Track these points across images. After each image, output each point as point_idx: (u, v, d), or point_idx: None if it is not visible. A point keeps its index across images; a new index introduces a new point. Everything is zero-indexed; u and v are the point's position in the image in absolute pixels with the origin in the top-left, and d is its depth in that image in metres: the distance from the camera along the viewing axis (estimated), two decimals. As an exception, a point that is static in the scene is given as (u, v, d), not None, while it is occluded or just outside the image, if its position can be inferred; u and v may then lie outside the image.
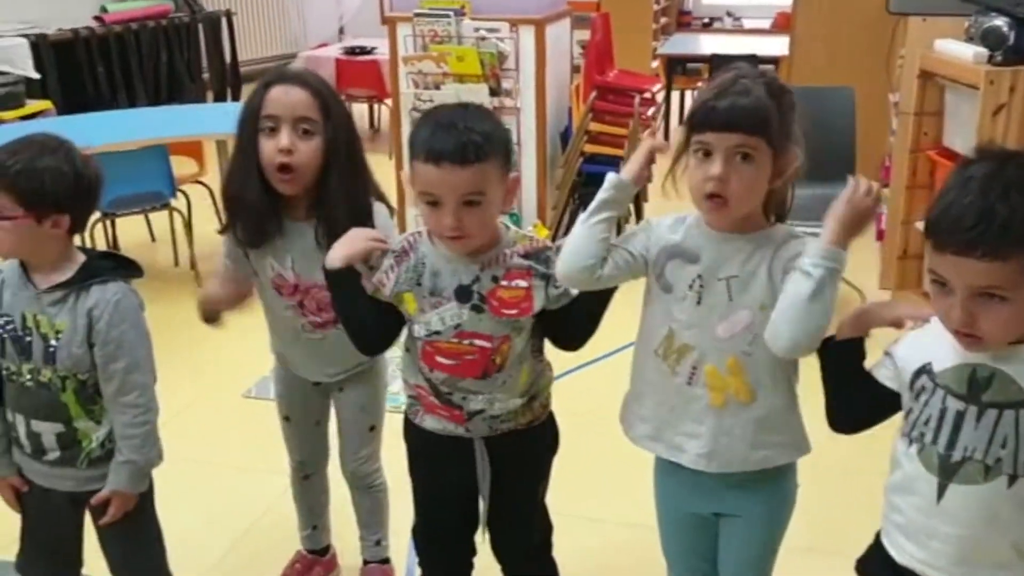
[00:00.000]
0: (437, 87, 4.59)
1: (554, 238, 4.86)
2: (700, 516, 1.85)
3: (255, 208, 2.05)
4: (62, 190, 1.80)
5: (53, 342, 1.86)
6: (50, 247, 1.86)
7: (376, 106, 7.74)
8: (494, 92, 4.53)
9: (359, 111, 7.82)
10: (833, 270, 1.56)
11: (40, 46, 6.30)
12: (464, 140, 1.73)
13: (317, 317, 2.19)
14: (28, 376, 1.88)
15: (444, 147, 1.73)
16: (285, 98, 1.96)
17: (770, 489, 1.80)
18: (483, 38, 4.49)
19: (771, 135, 1.61)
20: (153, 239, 5.16)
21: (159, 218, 5.03)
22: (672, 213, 1.79)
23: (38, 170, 1.78)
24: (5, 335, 1.88)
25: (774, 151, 1.62)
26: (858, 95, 4.50)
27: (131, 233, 5.02)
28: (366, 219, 2.03)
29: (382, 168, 6.11)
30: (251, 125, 1.99)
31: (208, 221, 5.00)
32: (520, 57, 4.51)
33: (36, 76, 6.07)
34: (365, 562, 2.56)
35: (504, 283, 1.85)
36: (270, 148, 1.97)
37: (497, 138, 1.79)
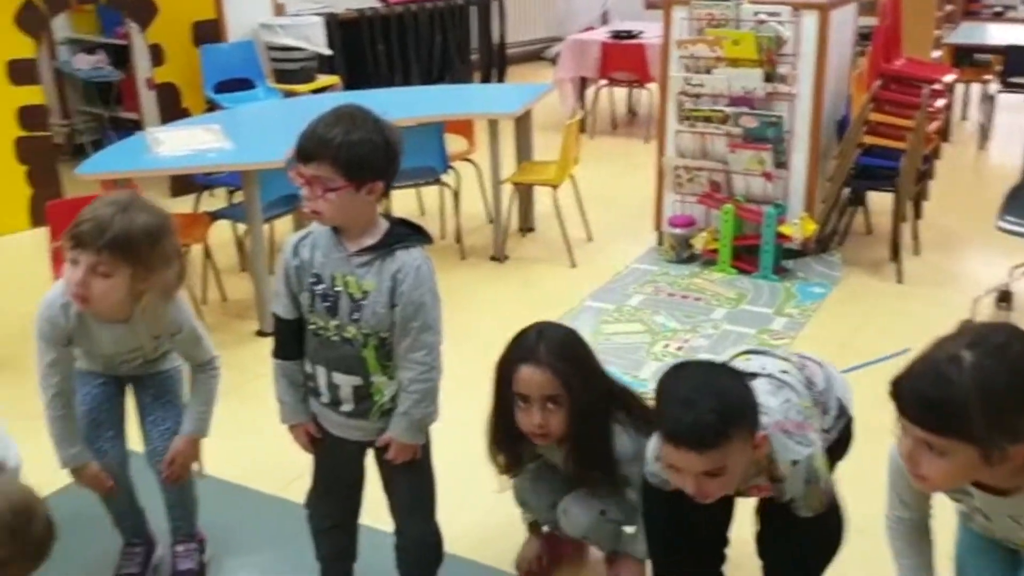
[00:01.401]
0: (708, 71, 4.50)
1: (820, 233, 4.65)
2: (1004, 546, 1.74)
3: (515, 452, 2.32)
4: (377, 159, 1.91)
5: (360, 301, 1.97)
6: (364, 213, 1.98)
7: (635, 90, 7.72)
8: (769, 78, 4.37)
9: (619, 95, 7.82)
10: None
11: (331, 24, 6.74)
12: (700, 426, 1.72)
13: None
14: (334, 332, 2.01)
15: (680, 432, 1.75)
16: (532, 380, 2.13)
17: None
18: (762, 21, 4.35)
19: (967, 435, 1.38)
20: (422, 212, 5.40)
21: (428, 192, 5.26)
22: None
23: (356, 141, 1.89)
24: (316, 293, 2.02)
25: (981, 449, 1.39)
26: None
27: (401, 205, 5.29)
28: (608, 449, 2.21)
29: (638, 152, 6.04)
30: (506, 392, 2.19)
31: (475, 198, 5.20)
32: (800, 42, 4.32)
33: (328, 53, 6.48)
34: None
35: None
36: (525, 421, 2.17)
37: (738, 411, 1.77)
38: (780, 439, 1.86)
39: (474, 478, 2.99)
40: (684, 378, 1.82)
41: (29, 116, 5.20)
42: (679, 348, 3.86)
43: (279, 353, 2.13)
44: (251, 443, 3.11)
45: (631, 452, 2.20)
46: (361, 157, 1.89)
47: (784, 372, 2.04)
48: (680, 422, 1.74)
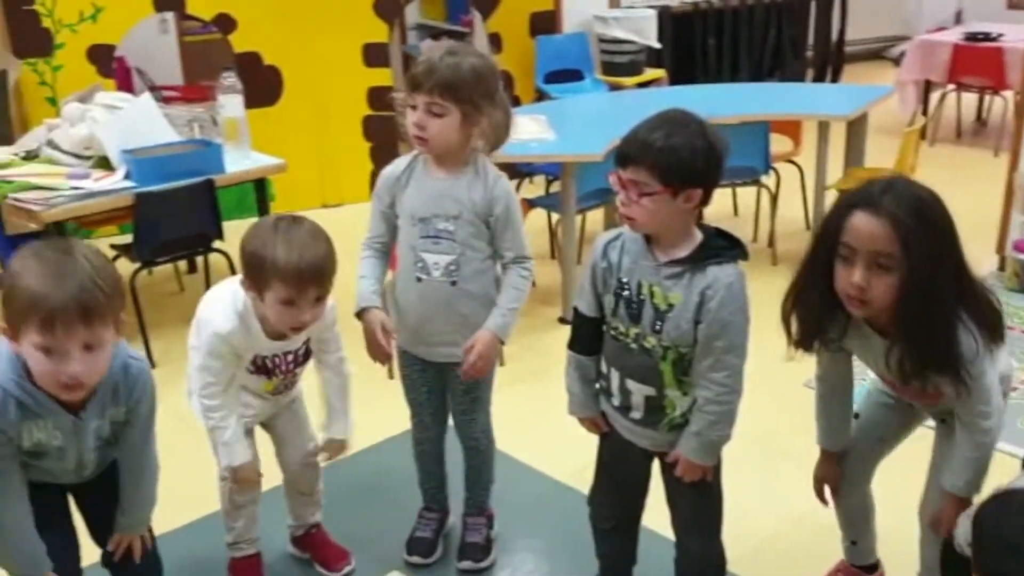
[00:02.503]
0: (1080, 83, 4.00)
1: None
2: None
3: (817, 318, 1.99)
4: (697, 165, 1.85)
5: (664, 313, 1.93)
6: (679, 221, 1.92)
7: (987, 97, 7.05)
8: None
9: (968, 101, 7.17)
10: None
11: (663, 17, 6.72)
12: None
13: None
14: (633, 339, 1.99)
15: None
16: (864, 229, 1.80)
17: None
18: None
19: None
20: (736, 213, 5.26)
21: (745, 192, 5.11)
22: None
23: (676, 146, 1.84)
24: (620, 297, 2.00)
25: None
26: None
27: (714, 205, 5.17)
28: (946, 351, 1.85)
29: (984, 165, 5.51)
30: (828, 242, 1.88)
31: (795, 202, 4.99)
32: None
33: (657, 46, 6.47)
34: None
35: None
36: (843, 278, 1.85)
37: None
38: None
39: (763, 498, 2.89)
40: (1010, 515, 1.58)
41: (377, 96, 5.65)
42: (1014, 390, 3.48)
43: (575, 347, 2.14)
44: (546, 427, 3.19)
45: (972, 354, 1.85)
46: (681, 162, 1.84)
47: None
48: (1004, 574, 1.52)
